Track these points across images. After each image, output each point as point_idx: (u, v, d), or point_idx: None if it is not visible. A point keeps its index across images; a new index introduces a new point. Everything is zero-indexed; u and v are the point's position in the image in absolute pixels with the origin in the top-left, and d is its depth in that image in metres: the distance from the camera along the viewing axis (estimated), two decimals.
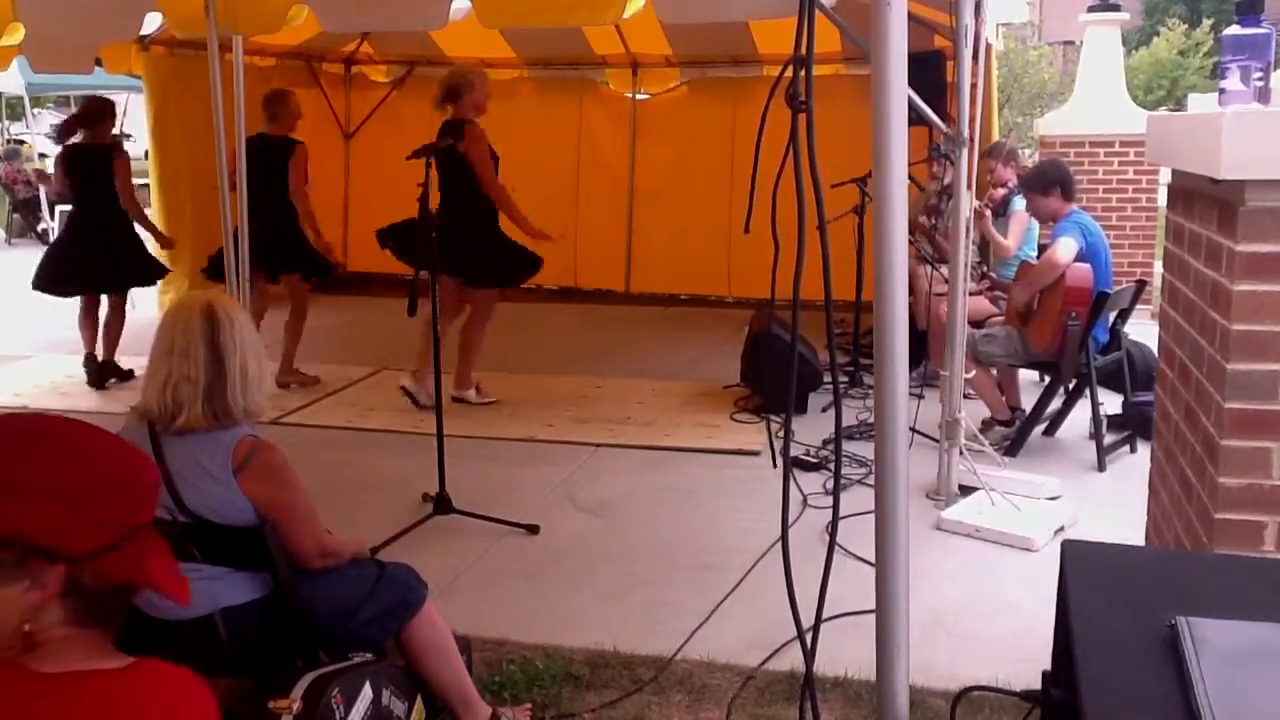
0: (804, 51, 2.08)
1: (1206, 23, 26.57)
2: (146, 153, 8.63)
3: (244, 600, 2.44)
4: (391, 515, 4.38)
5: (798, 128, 2.08)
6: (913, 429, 4.73)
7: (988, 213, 5.60)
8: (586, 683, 3.12)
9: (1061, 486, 4.57)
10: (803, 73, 2.08)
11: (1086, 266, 4.91)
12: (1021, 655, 3.17)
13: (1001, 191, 5.92)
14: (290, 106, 6.33)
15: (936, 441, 4.72)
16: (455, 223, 5.48)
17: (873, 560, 2.27)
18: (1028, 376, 5.93)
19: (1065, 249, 4.90)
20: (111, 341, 6.67)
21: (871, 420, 3.55)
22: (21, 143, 17.80)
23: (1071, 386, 5.16)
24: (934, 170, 6.39)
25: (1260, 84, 2.25)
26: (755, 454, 5.20)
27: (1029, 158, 9.73)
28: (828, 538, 2.37)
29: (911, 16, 2.15)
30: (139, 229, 6.69)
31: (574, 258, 9.44)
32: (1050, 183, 5.10)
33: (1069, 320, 4.87)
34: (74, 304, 6.78)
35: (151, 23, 6.38)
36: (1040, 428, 5.28)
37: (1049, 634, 1.74)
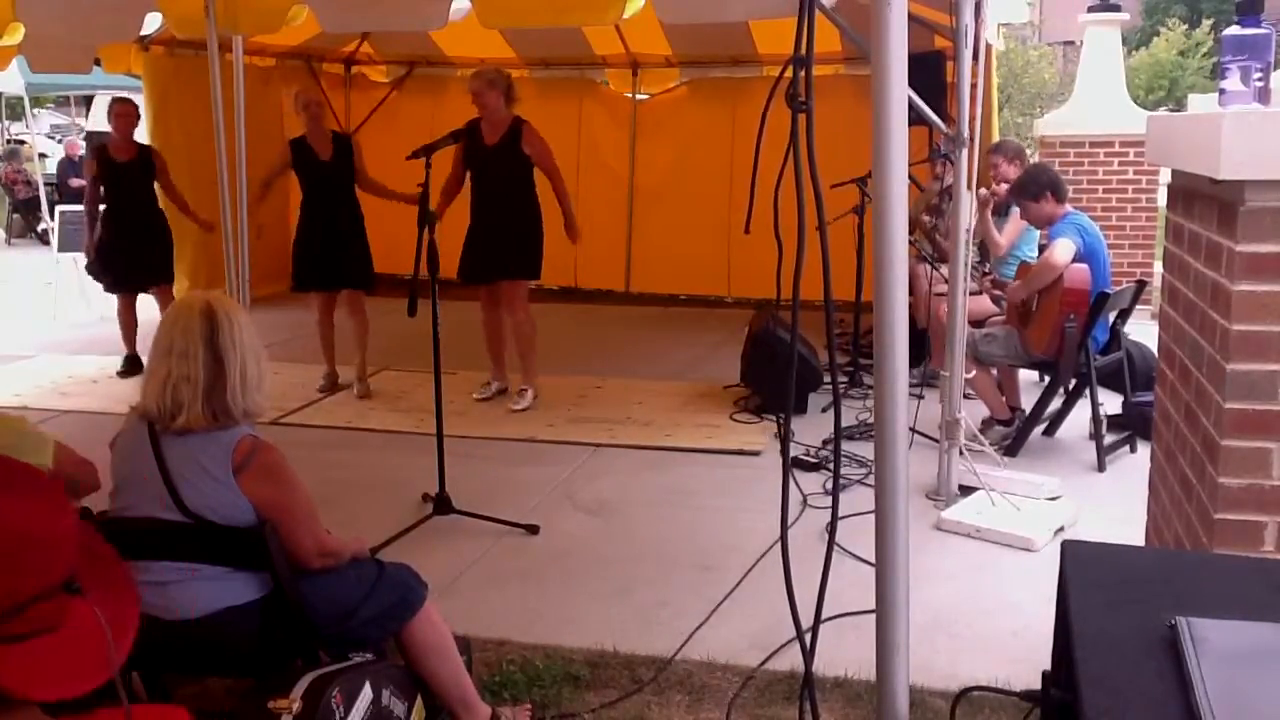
0: (804, 51, 2.08)
1: (1206, 23, 26.56)
2: None
3: (244, 600, 2.44)
4: (391, 515, 4.38)
5: (798, 128, 2.08)
6: (913, 429, 4.73)
7: (990, 202, 5.57)
8: (586, 683, 3.11)
9: (1061, 486, 4.57)
10: (803, 73, 2.08)
11: (1084, 267, 4.90)
12: (1021, 655, 3.18)
13: (1005, 188, 5.91)
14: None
15: (936, 441, 4.72)
16: (506, 222, 5.77)
17: (873, 560, 2.27)
18: (1028, 376, 5.93)
19: (1063, 250, 4.90)
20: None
21: (871, 420, 3.55)
22: (21, 143, 17.79)
23: (1071, 386, 5.16)
24: (935, 171, 6.39)
25: (1260, 84, 2.25)
26: (755, 454, 5.20)
27: (1030, 156, 9.72)
28: (827, 538, 2.36)
29: (911, 16, 2.15)
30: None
31: (574, 258, 9.43)
32: (1040, 188, 5.09)
33: (1067, 321, 4.87)
34: (73, 305, 6.83)
35: (151, 23, 6.39)
36: (1040, 428, 5.27)
37: (1049, 634, 1.74)
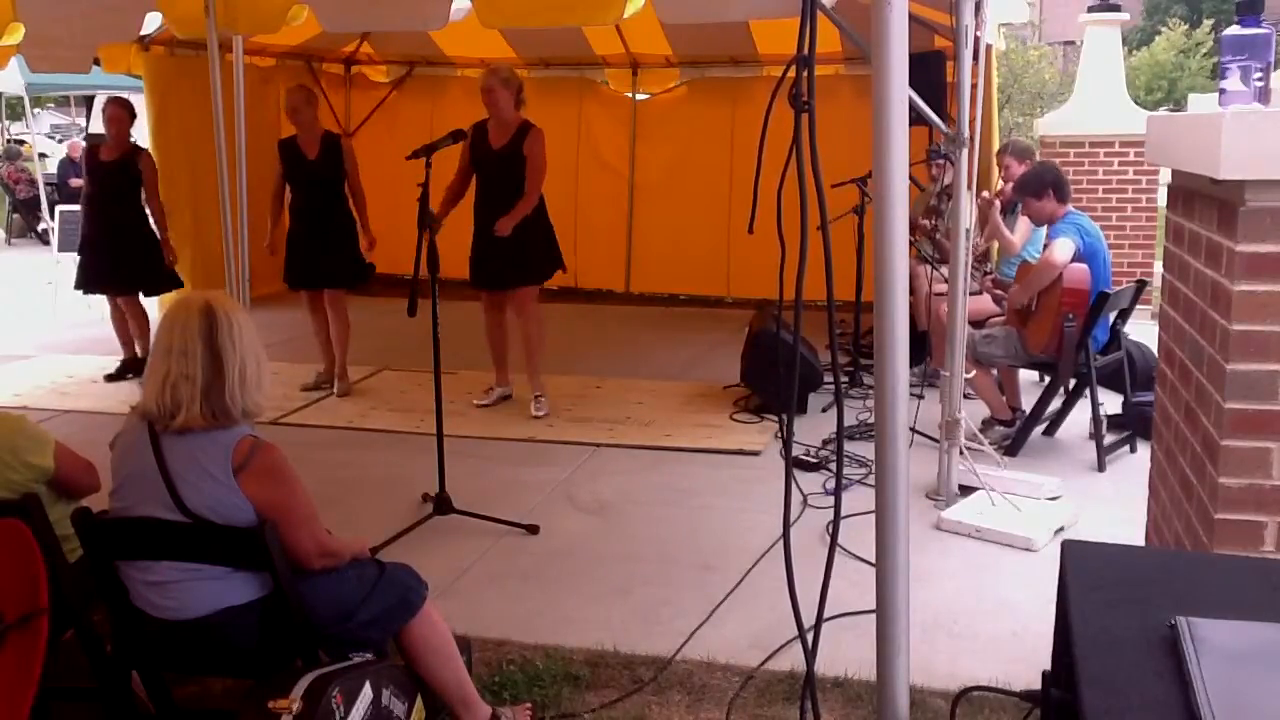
0: (806, 51, 2.08)
1: (1207, 23, 26.57)
2: None
3: (244, 600, 2.44)
4: (391, 515, 4.38)
5: (800, 128, 2.08)
6: (913, 429, 4.74)
7: (997, 203, 5.58)
8: (586, 683, 3.12)
9: (1061, 486, 4.57)
10: (805, 73, 2.08)
11: (1084, 267, 4.91)
12: (1021, 655, 3.18)
13: (1011, 188, 5.92)
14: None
15: (936, 441, 4.72)
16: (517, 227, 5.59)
17: (873, 560, 2.27)
18: (1028, 376, 5.94)
19: (1062, 249, 4.90)
20: (140, 336, 6.85)
21: (871, 420, 3.55)
22: (21, 143, 17.79)
23: (1071, 386, 5.16)
24: (933, 172, 6.39)
25: (1260, 84, 2.25)
26: (755, 454, 5.20)
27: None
28: (828, 538, 2.36)
29: (912, 16, 2.15)
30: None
31: (574, 258, 9.39)
32: (1044, 185, 5.10)
33: (1066, 321, 4.87)
34: (71, 304, 6.80)
35: (151, 23, 6.39)
36: (1040, 428, 5.28)
37: (1049, 634, 1.74)
